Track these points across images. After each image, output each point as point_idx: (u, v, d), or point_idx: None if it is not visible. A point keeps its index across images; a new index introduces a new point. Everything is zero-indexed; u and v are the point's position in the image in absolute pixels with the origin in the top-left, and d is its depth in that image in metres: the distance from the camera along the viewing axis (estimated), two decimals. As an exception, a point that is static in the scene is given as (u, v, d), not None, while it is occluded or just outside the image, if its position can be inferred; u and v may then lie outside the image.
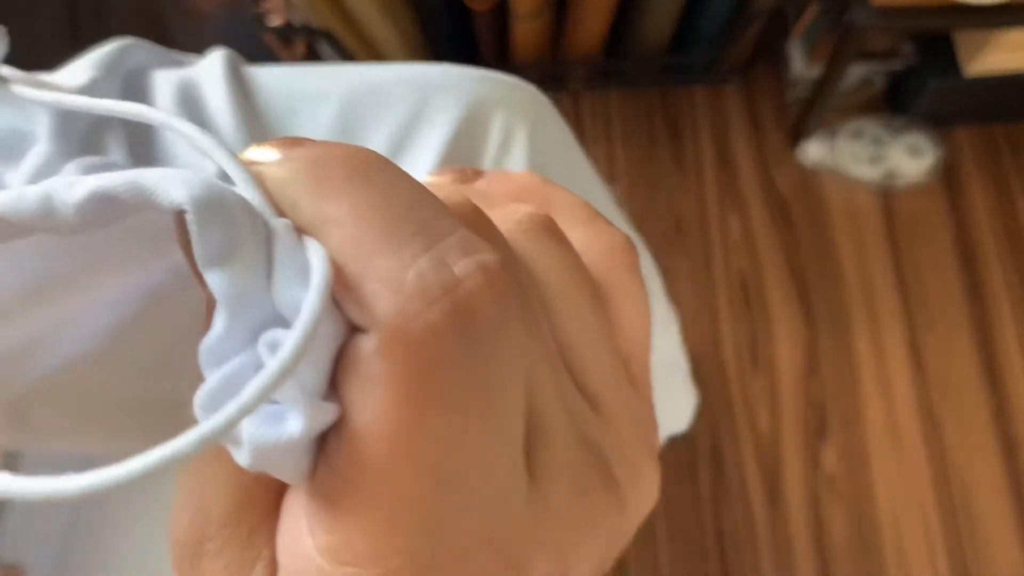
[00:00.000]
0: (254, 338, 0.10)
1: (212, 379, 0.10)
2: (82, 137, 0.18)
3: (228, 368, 0.10)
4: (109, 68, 0.20)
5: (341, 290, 0.10)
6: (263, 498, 0.12)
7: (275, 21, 0.47)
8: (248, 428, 0.10)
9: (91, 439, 0.20)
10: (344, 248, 0.10)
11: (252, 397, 0.09)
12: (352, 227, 0.10)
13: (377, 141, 0.22)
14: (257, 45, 0.61)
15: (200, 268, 0.10)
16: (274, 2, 0.47)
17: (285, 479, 0.11)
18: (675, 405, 0.39)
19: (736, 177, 0.60)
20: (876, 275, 0.58)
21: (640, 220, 0.60)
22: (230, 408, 0.09)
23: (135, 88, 0.21)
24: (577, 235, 0.13)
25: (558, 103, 0.69)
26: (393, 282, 0.10)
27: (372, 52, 0.53)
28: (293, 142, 0.11)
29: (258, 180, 0.11)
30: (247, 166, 0.11)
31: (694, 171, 0.61)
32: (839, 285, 0.58)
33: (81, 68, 0.20)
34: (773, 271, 0.58)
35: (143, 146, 0.19)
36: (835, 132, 0.59)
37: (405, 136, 0.22)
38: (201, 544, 0.12)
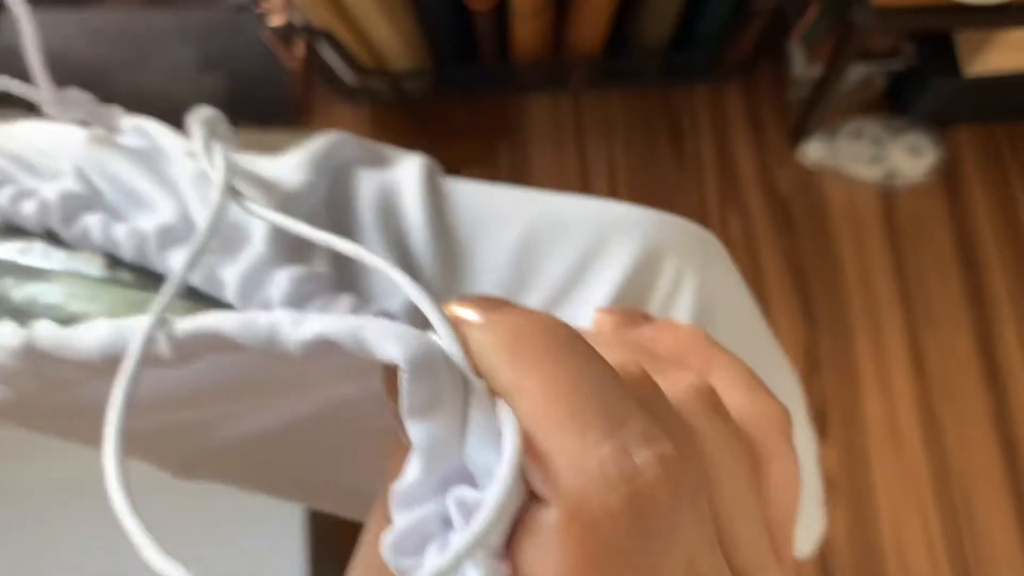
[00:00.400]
0: (443, 489, 0.12)
1: (401, 523, 0.11)
2: (292, 242, 0.18)
3: (417, 515, 0.11)
4: (321, 167, 0.21)
5: (528, 459, 0.11)
6: None
7: (276, 21, 0.47)
8: (432, 573, 0.11)
9: (246, 489, 0.22)
10: (533, 420, 0.11)
11: (448, 563, 0.10)
12: (542, 402, 0.11)
13: (553, 272, 0.22)
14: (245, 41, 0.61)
15: (404, 418, 0.11)
16: (275, 2, 0.47)
17: None
18: (801, 529, 0.38)
19: (736, 177, 0.60)
20: (876, 275, 0.58)
21: (640, 220, 0.60)
22: (426, 573, 0.10)
23: (340, 187, 0.22)
24: (734, 400, 0.14)
25: (558, 103, 0.68)
26: (577, 463, 0.11)
27: (372, 53, 0.53)
28: (495, 304, 0.13)
29: (462, 339, 0.12)
30: (453, 322, 0.12)
31: (694, 170, 0.61)
32: (839, 285, 0.58)
33: (296, 164, 0.21)
34: (773, 271, 0.58)
35: (346, 258, 0.20)
36: (835, 132, 0.59)
37: (581, 270, 0.23)
38: None
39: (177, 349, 0.14)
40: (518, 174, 0.60)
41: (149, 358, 0.14)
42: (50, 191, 0.19)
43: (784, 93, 0.61)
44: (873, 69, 0.58)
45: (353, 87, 0.59)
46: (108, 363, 0.15)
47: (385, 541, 0.11)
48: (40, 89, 0.19)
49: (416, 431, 0.11)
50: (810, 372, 0.56)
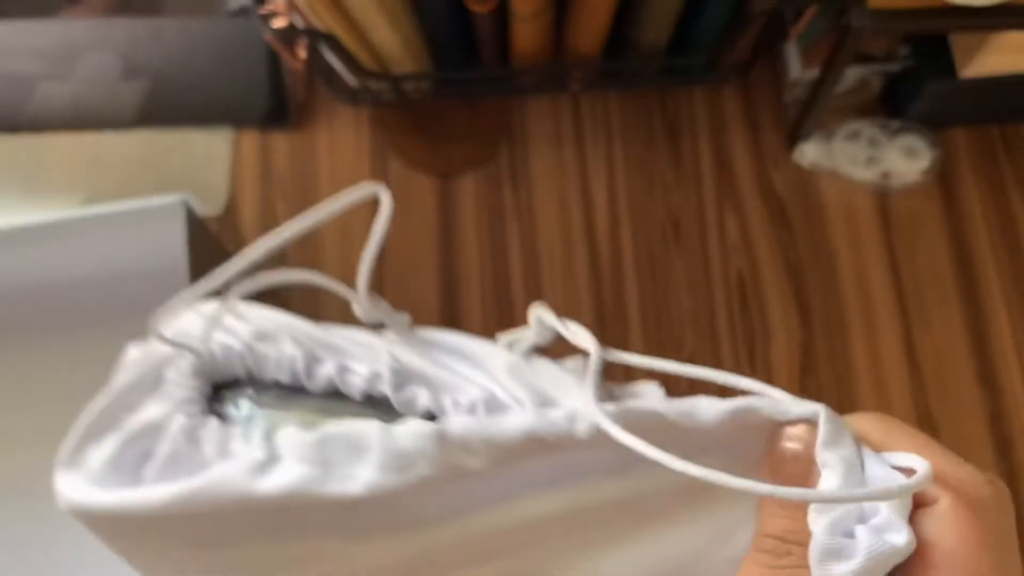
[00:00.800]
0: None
1: (824, 521, 0.17)
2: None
3: (837, 513, 0.17)
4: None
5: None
6: None
7: (279, 23, 0.47)
8: (867, 541, 0.17)
9: None
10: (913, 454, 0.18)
11: (890, 512, 0.17)
12: (916, 446, 0.19)
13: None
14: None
15: (821, 449, 0.18)
16: (278, 4, 0.47)
17: None
18: None
19: (734, 177, 0.61)
20: (872, 275, 0.59)
21: (638, 220, 0.60)
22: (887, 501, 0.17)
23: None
24: None
25: (558, 104, 0.69)
26: (953, 472, 0.18)
27: (373, 55, 0.54)
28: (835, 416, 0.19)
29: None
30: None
31: (692, 171, 0.61)
32: (835, 285, 0.59)
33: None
34: (770, 271, 0.59)
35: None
36: (832, 134, 0.60)
37: None
38: None
39: (620, 423, 0.19)
40: (518, 175, 0.61)
41: (566, 439, 0.20)
42: (379, 366, 0.24)
43: (781, 95, 0.62)
44: (869, 71, 0.58)
45: (354, 88, 0.59)
46: (517, 449, 0.20)
47: (818, 529, 0.17)
48: (358, 295, 0.24)
49: (832, 456, 0.18)
50: (806, 371, 0.56)
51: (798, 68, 0.58)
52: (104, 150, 0.62)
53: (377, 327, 0.26)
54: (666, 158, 0.61)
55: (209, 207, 0.60)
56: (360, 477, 0.20)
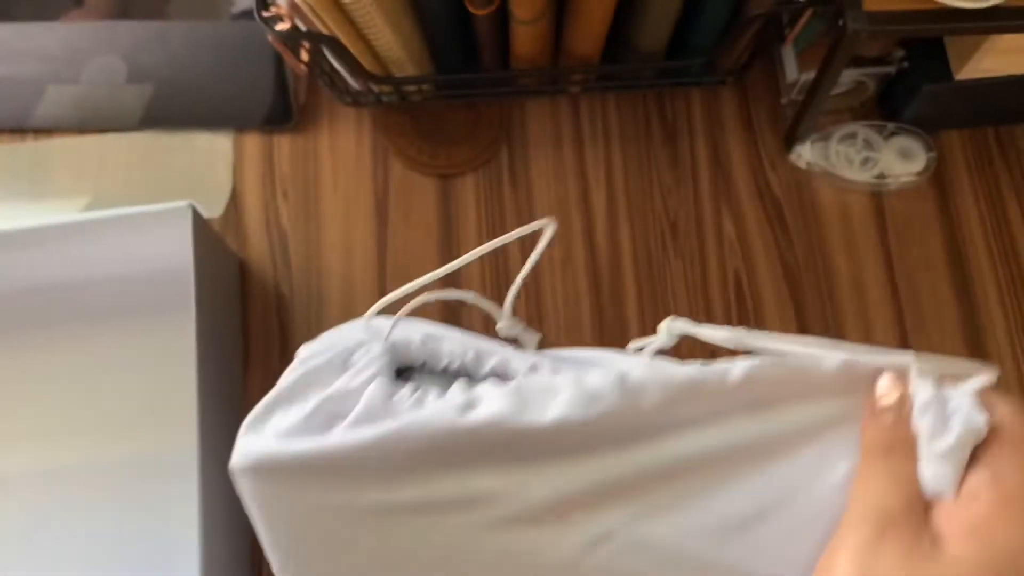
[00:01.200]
0: (940, 404, 0.24)
1: (924, 422, 0.24)
2: None
3: (932, 415, 0.24)
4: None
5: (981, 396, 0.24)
6: (920, 506, 0.23)
7: (282, 26, 0.48)
8: (959, 423, 0.23)
9: None
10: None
11: (970, 402, 0.24)
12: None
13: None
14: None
15: (915, 380, 0.25)
16: (281, 8, 0.48)
17: (944, 483, 0.23)
18: None
19: (731, 179, 0.61)
20: (868, 276, 0.59)
21: (636, 221, 0.61)
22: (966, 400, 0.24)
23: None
24: None
25: (557, 106, 0.69)
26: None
27: (374, 57, 0.54)
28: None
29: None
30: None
31: (690, 173, 0.62)
32: (831, 285, 0.59)
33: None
34: (767, 271, 0.59)
35: None
36: (828, 135, 0.60)
37: None
38: (883, 532, 0.22)
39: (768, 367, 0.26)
40: (518, 176, 0.61)
41: (719, 385, 0.25)
42: (536, 359, 0.31)
43: (778, 97, 0.62)
44: (865, 74, 0.59)
45: (355, 91, 0.60)
46: (681, 392, 0.25)
47: (924, 421, 0.24)
48: (503, 313, 0.32)
49: (924, 384, 0.24)
50: (803, 370, 0.57)
51: (795, 70, 0.58)
52: (109, 152, 0.63)
53: (512, 342, 0.31)
54: (664, 159, 0.62)
55: (212, 208, 0.61)
56: (551, 411, 0.25)
